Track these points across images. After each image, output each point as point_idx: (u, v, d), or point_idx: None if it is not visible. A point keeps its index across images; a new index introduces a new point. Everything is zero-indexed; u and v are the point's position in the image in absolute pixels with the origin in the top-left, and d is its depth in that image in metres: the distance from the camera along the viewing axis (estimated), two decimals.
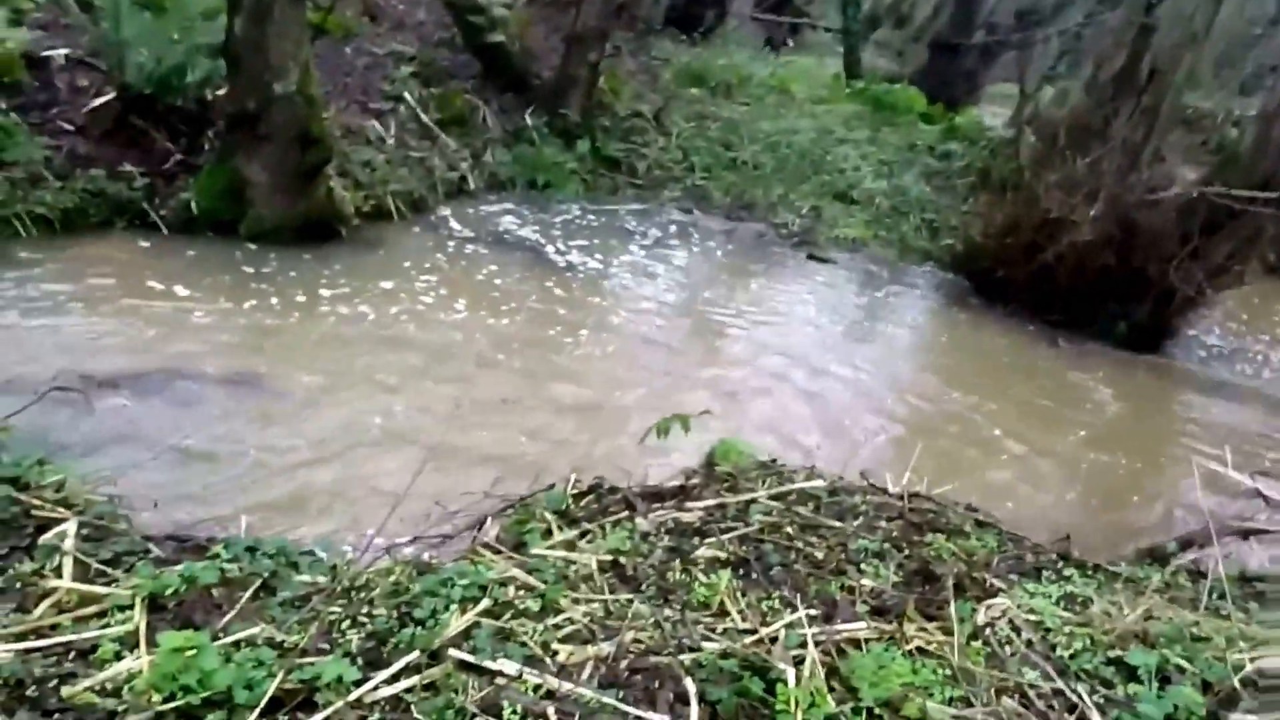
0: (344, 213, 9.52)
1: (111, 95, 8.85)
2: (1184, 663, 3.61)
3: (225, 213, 8.68)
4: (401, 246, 9.62)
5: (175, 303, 7.21)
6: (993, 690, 3.31)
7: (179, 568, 3.40)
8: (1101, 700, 3.37)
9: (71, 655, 2.92)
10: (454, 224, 10.78)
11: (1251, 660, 3.51)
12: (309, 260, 8.55)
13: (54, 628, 3.03)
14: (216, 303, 7.33)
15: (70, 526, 3.64)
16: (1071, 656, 3.59)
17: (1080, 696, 3.33)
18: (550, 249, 10.67)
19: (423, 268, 9.15)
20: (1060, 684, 3.40)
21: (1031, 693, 3.35)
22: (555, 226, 11.52)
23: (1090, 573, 4.66)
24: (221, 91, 9.10)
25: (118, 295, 7.13)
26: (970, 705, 3.20)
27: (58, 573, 3.35)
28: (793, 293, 11.17)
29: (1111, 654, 3.64)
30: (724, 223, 13.29)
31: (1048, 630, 3.74)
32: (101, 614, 3.15)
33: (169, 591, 3.24)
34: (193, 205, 8.62)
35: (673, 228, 12.63)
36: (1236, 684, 3.43)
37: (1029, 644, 3.63)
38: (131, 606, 3.15)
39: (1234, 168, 10.48)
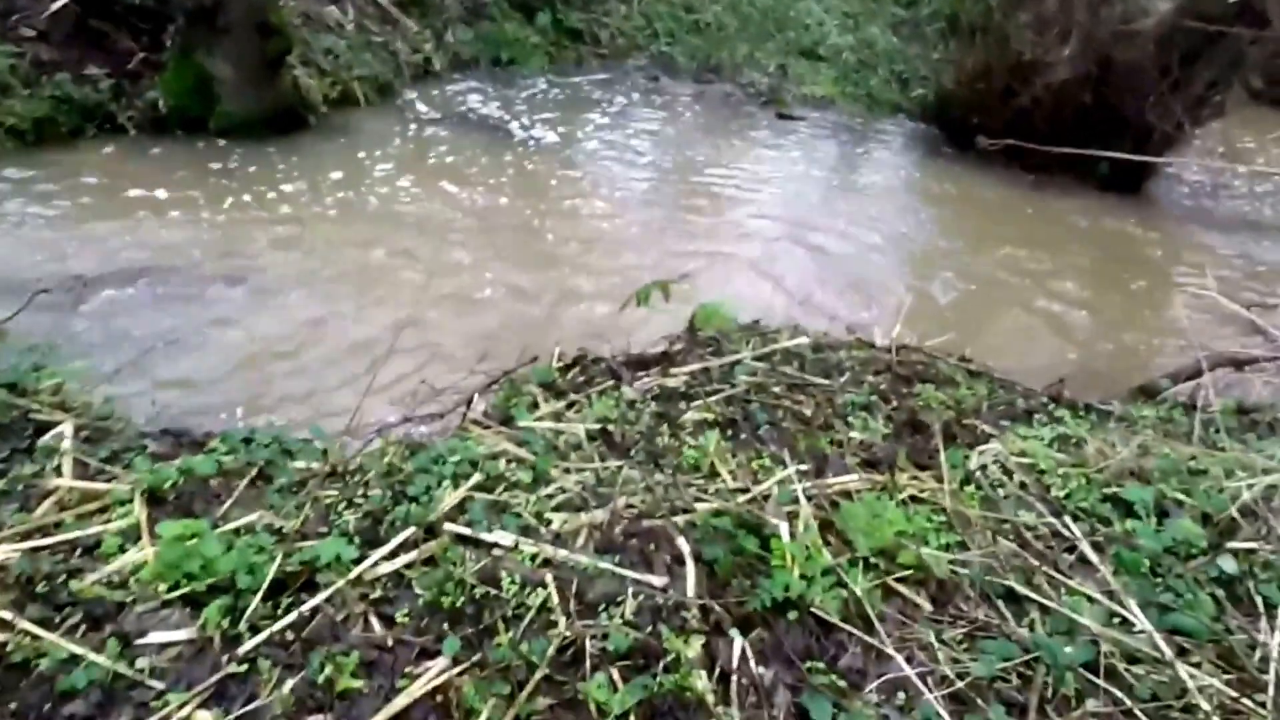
0: (311, 101, 9.42)
1: None
2: (1182, 496, 3.63)
3: (193, 109, 8.53)
4: (370, 132, 9.50)
5: (155, 203, 7.15)
6: (988, 533, 3.34)
7: (176, 461, 3.44)
8: (1100, 538, 3.41)
9: (77, 551, 2.98)
10: (421, 106, 10.65)
11: (1249, 488, 3.52)
12: (281, 152, 8.45)
13: (58, 525, 3.08)
14: (195, 201, 7.28)
15: (67, 428, 3.66)
16: (1066, 496, 3.61)
17: (1076, 534, 3.36)
18: (517, 125, 10.52)
19: (392, 152, 9.07)
20: (1056, 523, 3.43)
21: (1028, 534, 3.38)
22: (521, 102, 11.35)
23: (1083, 414, 4.65)
24: None
25: (98, 200, 7.08)
26: (966, 549, 3.23)
27: (58, 472, 3.38)
28: (765, 153, 11.01)
29: (1107, 492, 3.65)
30: (691, 87, 13.09)
31: (1041, 472, 3.75)
32: (103, 510, 3.19)
33: (168, 485, 3.28)
34: (160, 104, 8.47)
35: (640, 95, 12.44)
36: (1235, 514, 3.45)
37: (1023, 486, 3.65)
38: (131, 501, 3.19)
39: None
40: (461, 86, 11.52)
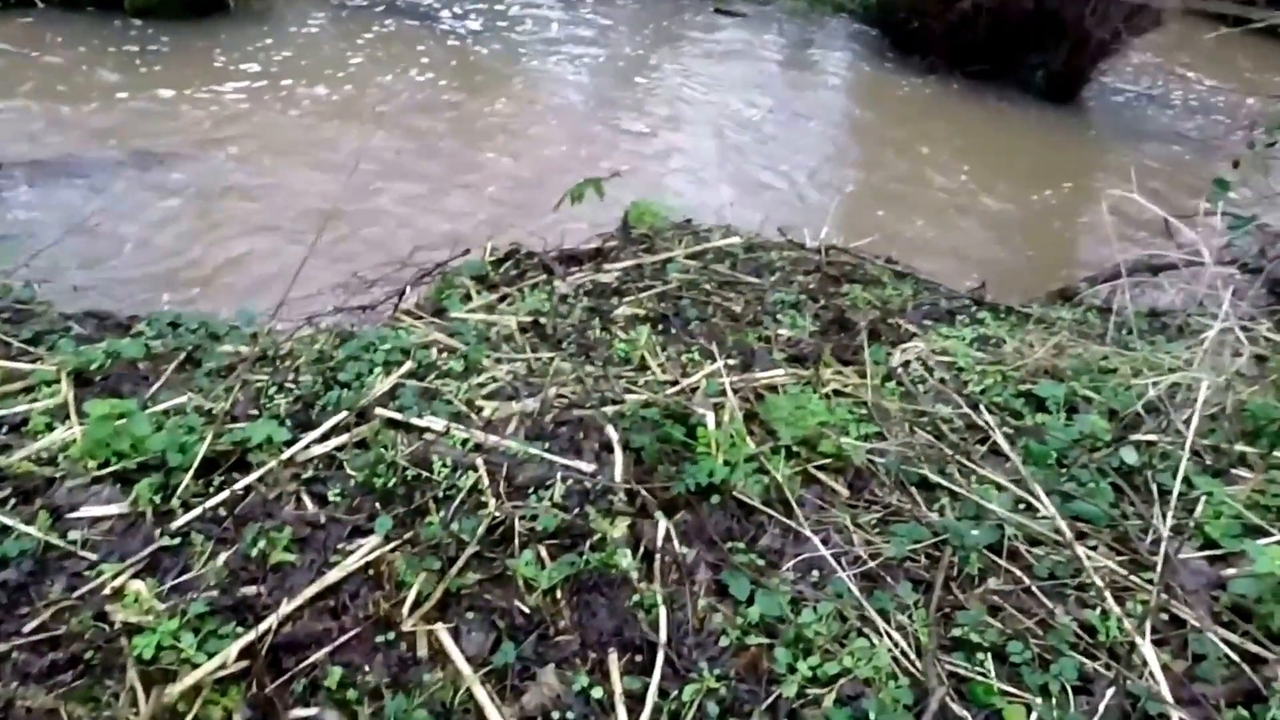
0: None
1: None
2: (1091, 393, 3.79)
3: None
4: (293, 15, 9.16)
5: (71, 85, 6.84)
6: (906, 425, 3.47)
7: (102, 344, 3.40)
8: (1011, 430, 3.56)
9: (3, 428, 2.95)
10: None
11: (1154, 386, 3.68)
12: (201, 33, 8.16)
13: None
14: (111, 82, 6.99)
15: None
16: (983, 392, 3.75)
17: (990, 427, 3.51)
18: (447, 13, 10.19)
19: (317, 38, 8.77)
20: (972, 416, 3.57)
21: (944, 426, 3.52)
22: None
23: (1003, 315, 4.80)
24: None
25: (10, 79, 6.74)
26: (884, 440, 3.36)
27: None
28: (702, 49, 10.86)
29: (1022, 388, 3.81)
30: None
31: (960, 369, 3.89)
32: (28, 390, 3.17)
33: (94, 366, 3.25)
34: None
35: None
36: (1140, 409, 3.63)
37: (942, 382, 3.78)
38: (58, 381, 3.16)
39: None
40: None
